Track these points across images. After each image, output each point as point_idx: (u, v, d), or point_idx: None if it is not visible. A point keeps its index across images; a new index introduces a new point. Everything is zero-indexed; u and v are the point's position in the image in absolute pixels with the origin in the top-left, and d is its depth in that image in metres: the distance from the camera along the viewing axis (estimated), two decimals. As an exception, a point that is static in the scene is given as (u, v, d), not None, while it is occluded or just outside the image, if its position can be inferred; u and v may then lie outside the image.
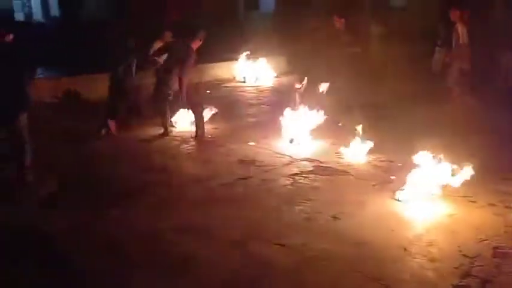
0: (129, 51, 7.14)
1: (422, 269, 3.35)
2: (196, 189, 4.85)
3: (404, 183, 4.54)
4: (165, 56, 6.92)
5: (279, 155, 5.91)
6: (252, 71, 11.55)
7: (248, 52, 11.50)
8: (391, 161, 5.58)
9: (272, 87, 10.82)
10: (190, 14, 12.44)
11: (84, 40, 10.74)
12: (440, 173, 4.46)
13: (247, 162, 5.67)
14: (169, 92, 6.58)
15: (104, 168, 5.54)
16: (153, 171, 5.41)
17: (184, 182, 5.05)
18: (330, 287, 3.23)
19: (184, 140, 6.64)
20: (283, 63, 12.09)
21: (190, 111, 6.81)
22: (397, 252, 3.58)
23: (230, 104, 9.26)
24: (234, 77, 11.82)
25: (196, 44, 6.62)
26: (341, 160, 5.66)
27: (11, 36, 5.27)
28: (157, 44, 8.08)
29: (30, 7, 27.06)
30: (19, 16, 21.80)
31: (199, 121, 6.68)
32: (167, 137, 6.73)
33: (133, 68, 7.23)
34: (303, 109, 6.44)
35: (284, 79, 11.12)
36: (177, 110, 7.12)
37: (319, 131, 6.39)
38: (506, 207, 4.26)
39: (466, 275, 3.26)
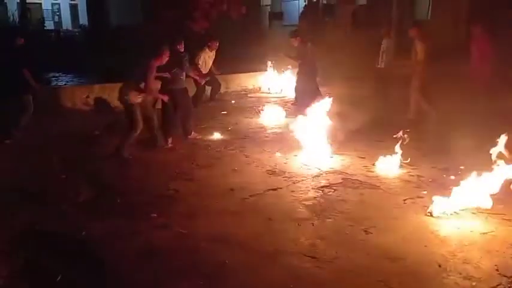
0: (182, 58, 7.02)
1: (459, 287, 3.30)
2: (227, 199, 4.88)
3: (436, 199, 4.50)
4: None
5: (306, 167, 5.92)
6: (277, 82, 11.62)
7: (272, 63, 11.59)
8: (421, 176, 5.55)
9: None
10: (216, 23, 12.62)
11: (113, 47, 11.00)
12: (474, 190, 4.42)
13: (275, 173, 5.69)
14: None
15: (135, 176, 5.62)
16: (183, 179, 5.47)
17: (215, 192, 5.08)
18: (364, 302, 3.22)
19: (212, 148, 6.73)
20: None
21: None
22: (431, 268, 3.54)
23: (255, 114, 9.33)
24: (259, 88, 11.91)
25: (158, 61, 6.22)
26: (369, 173, 5.64)
27: (22, 41, 7.05)
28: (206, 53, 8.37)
29: (60, 16, 27.86)
30: (49, 24, 22.37)
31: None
32: (195, 145, 6.83)
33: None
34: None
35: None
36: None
37: (342, 144, 6.39)
38: (543, 226, 4.18)
39: (504, 294, 3.21)
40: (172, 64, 6.78)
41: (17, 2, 18.53)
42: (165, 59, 6.28)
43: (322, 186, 5.24)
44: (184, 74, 7.15)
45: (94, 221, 4.31)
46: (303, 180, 5.45)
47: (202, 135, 7.38)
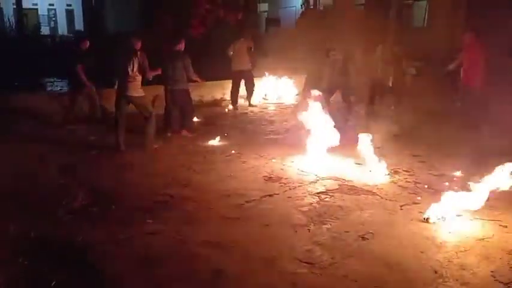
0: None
1: (455, 293, 3.30)
2: (223, 205, 4.86)
3: (432, 204, 4.50)
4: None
5: (303, 173, 5.91)
6: (274, 89, 11.63)
7: (268, 72, 11.60)
8: (417, 182, 5.56)
9: (294, 104, 10.86)
10: (214, 29, 12.64)
11: (110, 53, 10.98)
12: (468, 196, 4.43)
13: (272, 179, 5.68)
14: None
15: (131, 182, 5.60)
16: (179, 185, 5.45)
17: (211, 198, 5.07)
18: (360, 308, 3.21)
19: (208, 154, 6.73)
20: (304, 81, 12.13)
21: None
22: (428, 274, 3.53)
23: (252, 121, 9.34)
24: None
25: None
26: (366, 179, 5.64)
27: (86, 44, 8.31)
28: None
29: (56, 21, 27.84)
30: (45, 30, 22.35)
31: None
32: (191, 151, 6.84)
33: None
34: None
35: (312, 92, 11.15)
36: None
37: (341, 149, 6.41)
38: (539, 233, 4.19)
39: (501, 301, 3.20)
40: (169, 62, 7.45)
41: (13, 8, 18.53)
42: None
43: (318, 192, 5.23)
44: (185, 75, 7.56)
45: (90, 227, 4.27)
46: (299, 186, 5.45)
47: (201, 142, 7.39)
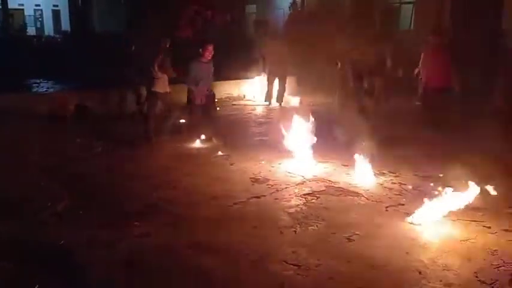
0: None
1: (439, 294, 3.35)
2: (210, 208, 4.86)
3: (417, 206, 4.55)
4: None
5: (290, 174, 5.94)
6: (262, 90, 11.65)
7: (257, 73, 11.64)
8: (403, 183, 5.61)
9: (282, 106, 10.91)
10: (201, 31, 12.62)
11: (96, 54, 10.93)
12: (453, 197, 4.49)
13: (259, 180, 5.70)
14: None
15: (118, 184, 5.57)
16: (167, 188, 5.44)
17: (199, 200, 5.06)
18: (346, 309, 3.23)
19: (196, 156, 6.72)
20: (292, 82, 12.19)
21: None
22: (412, 275, 3.57)
23: (239, 122, 9.36)
24: (244, 95, 11.94)
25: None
26: (352, 181, 5.68)
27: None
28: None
29: (42, 22, 27.57)
30: (32, 30, 22.14)
31: None
32: (179, 153, 6.83)
33: None
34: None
35: (294, 98, 11.24)
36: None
37: (326, 151, 6.46)
38: (522, 233, 4.26)
39: (484, 301, 3.26)
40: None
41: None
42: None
43: (305, 194, 5.26)
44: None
45: (74, 230, 4.24)
46: (286, 188, 5.47)
47: (189, 143, 7.36)
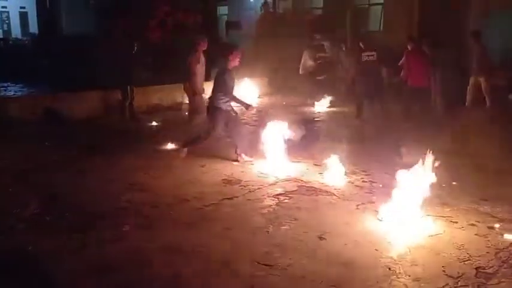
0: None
1: (408, 289, 3.41)
2: (183, 209, 4.83)
3: (387, 203, 4.63)
4: None
5: (263, 175, 5.96)
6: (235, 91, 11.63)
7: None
8: (373, 181, 5.70)
9: (255, 107, 10.89)
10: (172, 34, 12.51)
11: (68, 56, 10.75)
12: (419, 191, 4.55)
13: (232, 182, 5.70)
14: None
15: (90, 187, 5.48)
16: (137, 190, 5.38)
17: (170, 202, 5.02)
18: (317, 308, 3.26)
19: (166, 158, 6.66)
20: (265, 84, 12.24)
21: None
22: (382, 271, 3.63)
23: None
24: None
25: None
26: (324, 180, 5.74)
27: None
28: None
29: (9, 24, 26.86)
30: (-3, 33, 21.54)
31: None
32: (149, 156, 6.75)
33: None
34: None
35: (266, 99, 11.28)
36: None
37: (299, 151, 6.49)
38: (488, 227, 4.37)
39: (451, 294, 3.33)
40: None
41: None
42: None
43: (277, 194, 5.28)
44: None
45: (42, 236, 4.15)
46: (259, 188, 5.48)
47: (159, 146, 7.30)
